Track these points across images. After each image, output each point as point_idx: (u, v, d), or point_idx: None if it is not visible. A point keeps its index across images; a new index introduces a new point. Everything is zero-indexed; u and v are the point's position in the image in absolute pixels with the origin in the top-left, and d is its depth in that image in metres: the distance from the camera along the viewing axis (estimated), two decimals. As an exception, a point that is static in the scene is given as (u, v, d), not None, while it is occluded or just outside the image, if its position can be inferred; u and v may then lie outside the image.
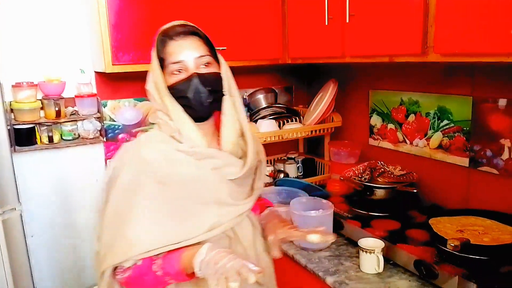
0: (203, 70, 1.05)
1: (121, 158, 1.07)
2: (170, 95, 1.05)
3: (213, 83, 1.06)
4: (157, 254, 0.98)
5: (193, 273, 0.93)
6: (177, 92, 1.05)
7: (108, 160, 1.06)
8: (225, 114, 1.10)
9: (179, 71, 1.04)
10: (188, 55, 1.04)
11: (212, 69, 1.07)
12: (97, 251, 1.05)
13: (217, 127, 1.14)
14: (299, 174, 2.32)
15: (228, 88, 1.10)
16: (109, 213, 1.03)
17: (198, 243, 0.98)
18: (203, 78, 1.04)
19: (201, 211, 1.04)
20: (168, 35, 1.05)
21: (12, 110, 1.78)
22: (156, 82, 1.06)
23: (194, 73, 1.04)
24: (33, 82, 1.81)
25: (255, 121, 2.06)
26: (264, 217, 1.21)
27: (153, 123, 1.12)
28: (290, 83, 2.48)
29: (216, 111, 1.12)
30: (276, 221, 1.15)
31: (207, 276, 0.89)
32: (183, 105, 1.05)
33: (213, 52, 1.09)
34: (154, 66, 1.07)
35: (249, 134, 1.14)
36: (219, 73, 1.09)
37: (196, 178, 1.05)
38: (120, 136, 2.06)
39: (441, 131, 1.73)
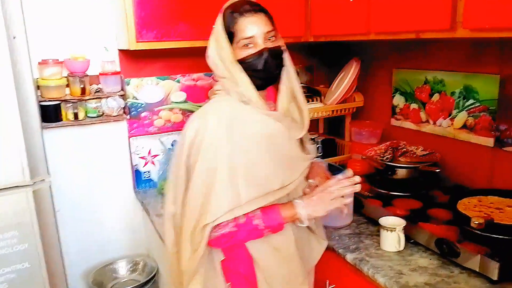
0: (271, 44, 1.14)
1: (204, 118, 1.14)
2: (238, 66, 1.13)
3: (279, 56, 1.17)
4: (253, 210, 1.11)
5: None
6: (249, 65, 1.13)
7: (184, 128, 1.18)
8: (282, 83, 1.21)
9: (249, 46, 1.12)
10: (258, 30, 1.12)
11: (276, 43, 1.16)
12: (171, 213, 1.18)
13: (268, 95, 1.25)
14: (318, 154, 2.31)
15: (286, 60, 1.20)
16: (200, 172, 1.11)
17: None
18: (272, 52, 1.14)
19: (292, 163, 1.20)
20: (238, 12, 1.12)
21: (38, 87, 1.81)
22: (222, 55, 1.14)
23: (265, 48, 1.13)
24: (58, 60, 1.84)
25: (276, 100, 2.05)
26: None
27: (216, 92, 1.21)
28: (311, 62, 2.45)
29: None
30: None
31: (322, 202, 1.12)
32: (251, 76, 1.14)
33: (275, 27, 1.17)
34: (221, 39, 1.14)
35: (302, 99, 1.24)
36: (282, 46, 1.18)
37: (278, 135, 1.18)
38: (143, 114, 2.09)
39: (466, 111, 1.69)
